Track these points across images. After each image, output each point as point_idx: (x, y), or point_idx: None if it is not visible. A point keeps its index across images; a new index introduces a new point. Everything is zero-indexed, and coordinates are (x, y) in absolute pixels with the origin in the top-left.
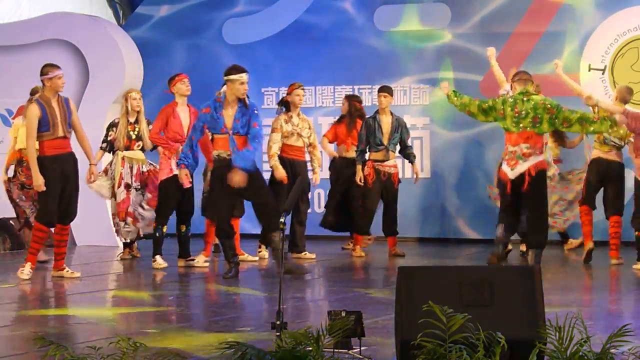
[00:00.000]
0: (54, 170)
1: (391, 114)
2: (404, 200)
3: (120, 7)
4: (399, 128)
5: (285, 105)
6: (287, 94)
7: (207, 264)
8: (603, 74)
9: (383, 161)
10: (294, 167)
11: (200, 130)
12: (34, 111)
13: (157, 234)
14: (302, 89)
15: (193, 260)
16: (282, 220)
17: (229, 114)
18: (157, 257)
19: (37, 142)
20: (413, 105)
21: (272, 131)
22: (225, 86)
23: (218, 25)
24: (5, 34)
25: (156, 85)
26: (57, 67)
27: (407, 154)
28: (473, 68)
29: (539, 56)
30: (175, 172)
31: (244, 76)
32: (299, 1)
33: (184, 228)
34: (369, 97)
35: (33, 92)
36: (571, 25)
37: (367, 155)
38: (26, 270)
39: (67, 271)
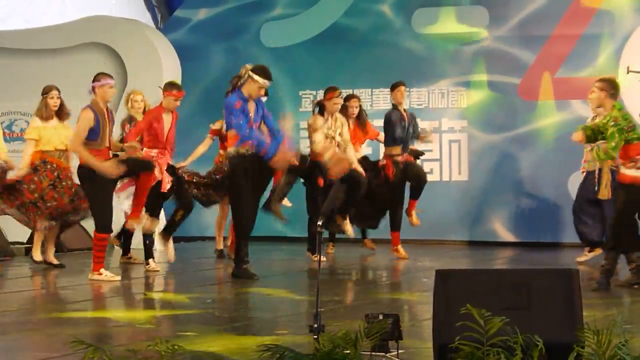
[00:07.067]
0: (105, 179)
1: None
2: (442, 203)
3: (158, 11)
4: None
5: (321, 107)
6: (324, 99)
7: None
8: None
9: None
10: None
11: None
12: (90, 117)
13: (148, 242)
14: (340, 97)
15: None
16: (319, 223)
17: (253, 108)
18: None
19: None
20: (450, 108)
21: (314, 131)
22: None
23: (256, 28)
24: (45, 37)
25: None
26: (110, 76)
27: None
28: (511, 71)
29: (577, 59)
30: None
31: (267, 83)
32: (337, 4)
33: None
34: (406, 100)
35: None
36: (609, 27)
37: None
38: (105, 273)
39: (105, 275)
